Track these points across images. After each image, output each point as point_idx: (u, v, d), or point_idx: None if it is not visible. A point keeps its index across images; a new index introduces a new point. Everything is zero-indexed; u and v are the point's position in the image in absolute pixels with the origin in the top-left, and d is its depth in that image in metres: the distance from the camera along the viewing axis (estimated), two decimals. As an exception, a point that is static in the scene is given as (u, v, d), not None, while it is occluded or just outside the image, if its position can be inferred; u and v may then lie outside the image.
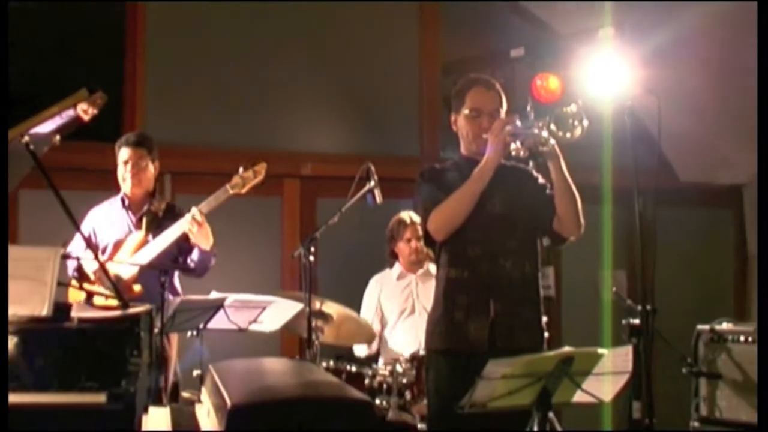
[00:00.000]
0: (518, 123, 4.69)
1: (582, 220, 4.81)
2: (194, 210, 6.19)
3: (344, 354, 6.93)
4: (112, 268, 6.07)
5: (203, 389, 4.47)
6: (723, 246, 9.32)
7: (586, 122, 4.55)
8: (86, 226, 6.36)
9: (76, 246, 6.14)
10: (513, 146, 4.69)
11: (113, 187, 6.56)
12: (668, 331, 6.56)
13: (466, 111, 4.87)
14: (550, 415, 7.03)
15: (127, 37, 8.02)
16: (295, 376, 4.10)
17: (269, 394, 3.70)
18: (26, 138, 5.21)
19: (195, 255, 6.38)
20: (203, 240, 6.25)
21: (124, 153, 6.42)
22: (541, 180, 4.92)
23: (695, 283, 9.07)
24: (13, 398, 4.73)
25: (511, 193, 4.82)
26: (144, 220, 6.41)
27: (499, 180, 4.74)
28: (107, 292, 5.42)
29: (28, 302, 4.89)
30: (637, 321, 5.84)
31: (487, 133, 4.72)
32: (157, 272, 6.01)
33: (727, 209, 9.24)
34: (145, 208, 6.47)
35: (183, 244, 6.35)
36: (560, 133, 4.55)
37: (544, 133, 4.58)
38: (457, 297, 4.76)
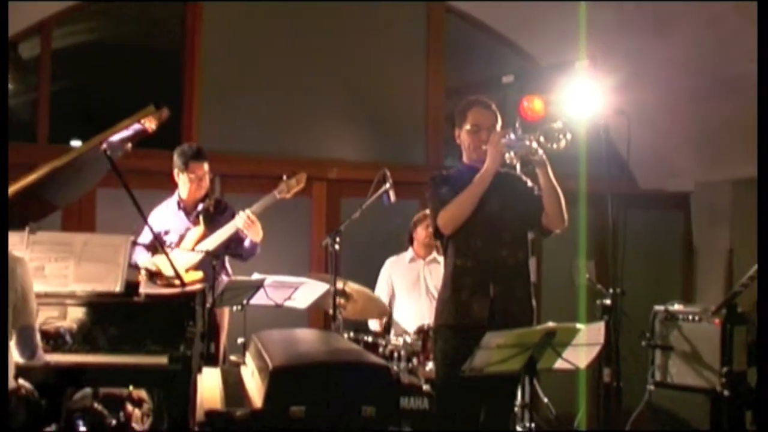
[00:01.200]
0: (512, 136, 4.69)
1: (565, 216, 4.85)
2: (247, 212, 6.22)
3: (362, 327, 6.91)
4: (180, 258, 6.09)
5: (247, 354, 4.48)
6: (674, 242, 9.33)
7: (569, 136, 4.58)
8: (152, 226, 6.36)
9: (145, 237, 6.13)
10: (507, 156, 4.70)
11: (170, 187, 6.54)
12: (631, 311, 6.58)
13: (467, 127, 4.89)
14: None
15: (185, 62, 8.01)
16: (325, 344, 4.11)
17: (304, 358, 3.72)
18: (104, 145, 5.21)
19: (246, 244, 6.39)
20: (255, 234, 6.28)
21: (191, 167, 6.39)
22: (530, 183, 4.93)
23: (652, 271, 9.07)
24: (92, 359, 4.77)
25: (506, 195, 4.83)
26: (201, 217, 6.40)
27: (496, 184, 4.75)
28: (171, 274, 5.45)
29: (104, 280, 4.93)
30: (608, 301, 5.85)
31: (485, 145, 4.76)
32: (214, 258, 6.12)
33: (678, 211, 9.26)
34: (201, 207, 6.46)
35: (234, 237, 6.35)
36: (548, 145, 4.58)
37: (534, 145, 4.61)
38: (462, 281, 4.77)
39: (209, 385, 3.96)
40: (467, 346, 4.26)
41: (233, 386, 3.93)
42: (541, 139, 4.59)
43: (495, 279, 4.74)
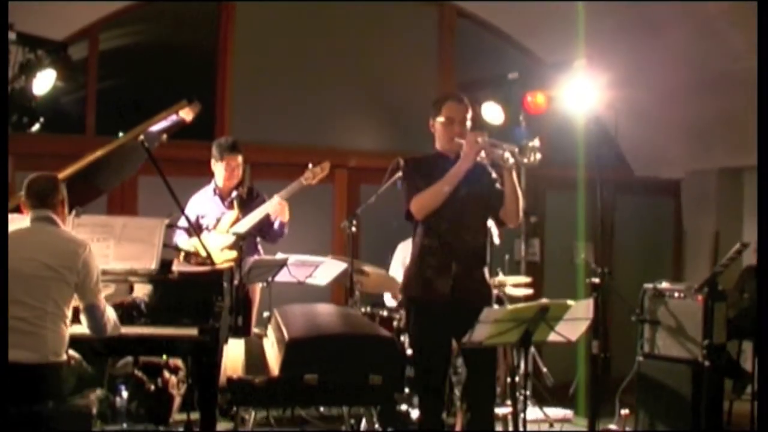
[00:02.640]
0: (487, 139, 4.71)
1: (521, 214, 4.86)
2: (278, 197, 6.26)
3: (378, 302, 6.92)
4: (216, 239, 6.15)
5: (269, 326, 4.49)
6: (665, 225, 9.29)
7: (539, 155, 4.56)
8: (190, 210, 6.41)
9: (184, 221, 6.16)
10: (479, 156, 4.71)
11: (206, 175, 6.56)
12: (624, 289, 6.57)
13: (441, 119, 4.90)
14: (533, 350, 7.13)
15: (219, 60, 8.05)
16: (338, 318, 4.13)
17: (318, 331, 3.74)
18: (141, 137, 5.24)
19: (276, 226, 6.43)
20: (284, 216, 6.34)
21: (227, 158, 6.44)
22: (494, 175, 4.91)
23: (644, 252, 9.06)
24: (129, 330, 4.80)
25: (473, 184, 4.80)
26: (235, 203, 6.44)
27: (466, 173, 4.73)
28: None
29: (141, 259, 4.97)
30: (597, 280, 5.85)
31: (458, 137, 4.77)
32: (248, 240, 6.17)
33: (669, 197, 9.22)
34: (235, 193, 6.51)
35: (264, 220, 6.38)
36: (521, 159, 4.58)
37: (507, 155, 4.61)
38: (428, 259, 4.78)
39: (233, 355, 3.99)
40: (429, 317, 4.39)
41: (255, 356, 3.95)
42: (516, 150, 4.59)
43: (457, 259, 4.74)
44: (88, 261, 4.38)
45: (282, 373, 3.43)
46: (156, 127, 5.50)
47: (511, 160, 4.61)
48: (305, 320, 4.01)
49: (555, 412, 6.79)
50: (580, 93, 7.08)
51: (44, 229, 4.43)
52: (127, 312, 4.82)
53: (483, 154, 4.69)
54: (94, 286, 4.41)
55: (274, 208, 6.28)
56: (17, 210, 5.05)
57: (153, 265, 4.94)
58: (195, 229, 5.75)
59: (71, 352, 4.43)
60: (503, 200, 4.79)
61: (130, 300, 4.85)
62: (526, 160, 4.57)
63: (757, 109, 4.76)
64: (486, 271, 4.91)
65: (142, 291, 4.88)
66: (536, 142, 4.57)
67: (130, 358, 6.43)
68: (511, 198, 4.76)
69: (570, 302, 4.19)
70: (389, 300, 6.96)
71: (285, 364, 3.44)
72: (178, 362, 6.49)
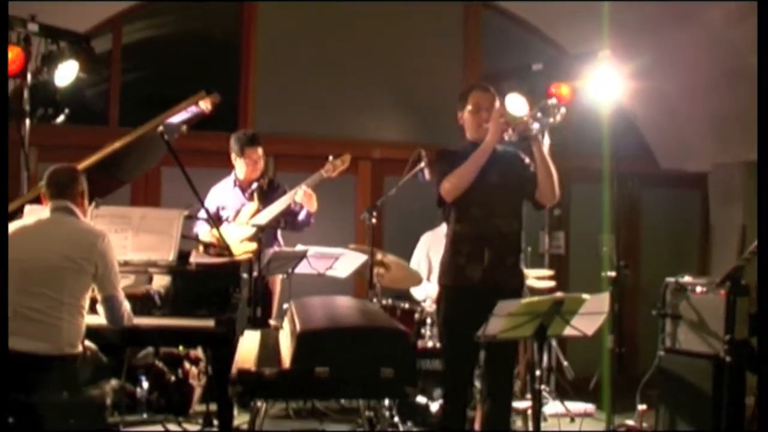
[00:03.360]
0: (510, 114, 4.77)
1: (557, 191, 4.80)
2: (304, 186, 6.24)
3: (401, 294, 6.89)
4: (236, 231, 6.14)
5: (285, 318, 4.49)
6: (691, 218, 9.19)
7: (563, 110, 4.56)
8: (211, 202, 6.42)
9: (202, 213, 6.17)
10: (507, 134, 4.70)
11: (228, 166, 6.56)
12: (650, 283, 6.50)
13: (469, 107, 4.89)
14: (554, 345, 7.08)
15: (242, 52, 8.06)
16: (352, 310, 4.11)
17: (329, 323, 3.72)
18: (160, 128, 5.25)
19: (302, 216, 6.43)
20: (311, 205, 6.32)
21: (247, 152, 6.42)
22: (527, 160, 4.89)
23: (671, 246, 8.97)
24: (147, 321, 4.81)
25: (504, 169, 4.81)
26: (255, 194, 6.43)
27: (496, 158, 4.75)
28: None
29: (159, 250, 4.98)
30: (613, 273, 5.80)
31: (486, 124, 4.76)
32: (267, 231, 6.19)
33: (695, 190, 9.11)
34: (256, 185, 6.50)
35: (287, 211, 6.38)
36: (545, 119, 4.57)
37: (532, 123, 4.60)
38: (460, 246, 4.78)
39: (247, 347, 3.98)
40: (462, 306, 4.37)
41: (269, 348, 3.93)
42: (539, 114, 4.59)
43: (489, 246, 4.73)
44: (106, 251, 4.39)
45: (293, 365, 3.39)
46: (176, 119, 5.51)
47: (535, 126, 4.59)
48: (318, 312, 3.99)
49: (576, 406, 6.74)
50: (605, 84, 7.03)
51: (63, 220, 4.45)
52: (145, 303, 4.84)
53: (510, 131, 4.68)
54: (113, 277, 4.43)
55: (301, 197, 6.26)
56: (37, 201, 5.08)
57: (171, 256, 4.95)
58: (214, 220, 5.75)
59: (87, 342, 4.44)
60: (536, 181, 4.77)
61: (148, 291, 4.86)
62: (551, 120, 4.56)
63: (757, 109, 4.69)
64: (520, 259, 4.90)
65: (159, 282, 4.89)
66: (554, 101, 4.59)
67: (150, 349, 6.47)
68: (544, 172, 4.72)
69: (585, 296, 4.13)
70: (416, 292, 6.93)
71: (296, 357, 3.41)
72: (199, 353, 6.53)
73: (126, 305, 4.51)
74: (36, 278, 4.23)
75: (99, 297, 4.42)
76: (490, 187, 4.74)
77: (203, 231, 6.21)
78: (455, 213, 4.83)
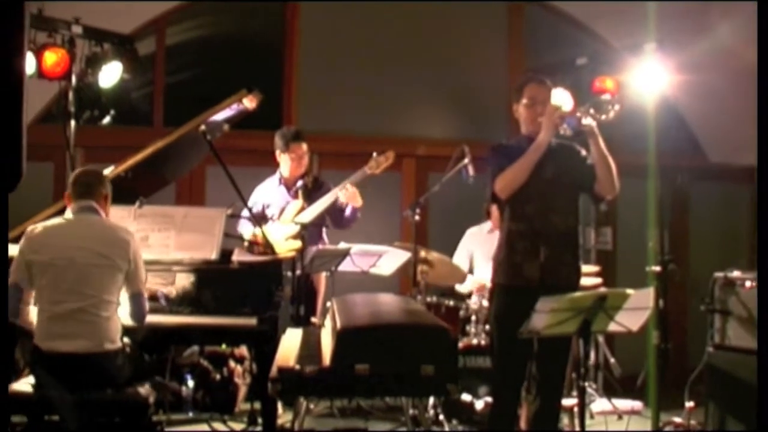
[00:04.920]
0: (564, 109, 4.66)
1: (617, 183, 4.71)
2: (348, 185, 6.24)
3: (446, 291, 6.86)
4: (280, 229, 6.15)
5: (327, 316, 4.47)
6: (741, 213, 9.03)
7: (617, 106, 4.50)
8: (255, 199, 6.43)
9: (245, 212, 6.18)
10: (561, 128, 4.63)
11: (273, 165, 6.56)
12: (697, 278, 6.40)
13: (524, 101, 4.81)
14: (601, 341, 7.00)
15: (285, 51, 8.08)
16: (393, 308, 4.07)
17: (369, 320, 3.68)
18: (202, 127, 5.26)
19: (348, 212, 6.42)
20: (356, 202, 6.31)
21: (292, 147, 6.41)
22: (583, 153, 4.82)
23: (721, 241, 8.83)
24: (191, 320, 4.84)
25: (560, 164, 4.73)
26: (300, 192, 6.42)
27: (551, 153, 4.67)
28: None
29: (201, 249, 4.99)
30: (658, 268, 5.71)
31: (540, 117, 4.68)
32: (311, 229, 6.21)
33: (745, 184, 8.94)
34: (300, 183, 6.49)
35: (331, 208, 6.38)
36: (598, 116, 4.50)
37: (585, 119, 4.53)
38: (515, 244, 4.72)
39: (289, 345, 3.95)
40: (518, 306, 4.21)
41: (311, 346, 3.90)
42: (591, 111, 4.51)
43: (546, 243, 4.66)
44: (137, 249, 4.44)
45: (333, 362, 3.37)
46: (218, 117, 5.53)
47: (589, 122, 4.52)
48: (359, 309, 3.96)
49: (624, 403, 6.65)
50: (651, 77, 6.93)
51: (89, 219, 4.47)
52: (186, 301, 4.85)
53: (565, 125, 4.61)
54: (141, 275, 4.46)
55: (346, 194, 6.25)
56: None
57: (213, 255, 4.95)
58: (257, 219, 5.76)
59: (126, 340, 4.46)
60: (594, 173, 4.70)
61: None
62: (604, 116, 4.49)
63: (757, 109, 4.58)
64: (578, 255, 4.83)
65: (201, 281, 4.90)
66: (608, 96, 4.61)
67: (196, 348, 6.49)
68: (602, 166, 4.64)
69: (629, 291, 4.07)
70: (461, 287, 6.89)
71: (336, 354, 3.38)
72: (244, 352, 6.54)
73: (146, 304, 4.53)
74: (72, 278, 4.26)
75: (127, 293, 4.42)
76: (546, 183, 4.68)
77: (247, 230, 6.22)
78: (510, 210, 4.77)
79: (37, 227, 4.42)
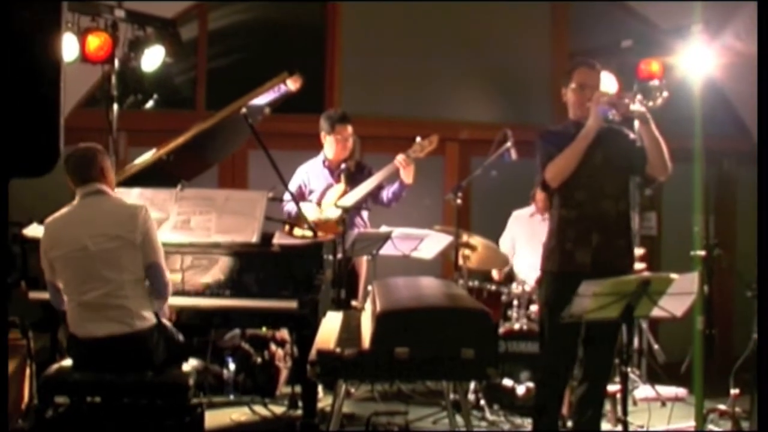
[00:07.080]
0: (610, 93, 4.60)
1: (669, 164, 4.67)
2: (401, 156, 6.15)
3: (489, 276, 6.83)
4: (322, 212, 6.17)
5: (368, 299, 4.46)
6: (790, 196, 8.87)
7: (665, 93, 4.45)
8: (297, 178, 6.42)
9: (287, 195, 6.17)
10: (610, 114, 4.59)
11: (316, 148, 6.54)
12: (744, 263, 6.29)
13: (573, 86, 4.77)
14: (644, 327, 6.92)
15: (327, 34, 8.06)
16: (434, 291, 4.03)
17: (409, 303, 3.65)
18: (243, 110, 5.26)
19: (395, 187, 6.34)
20: (408, 176, 6.21)
21: (337, 129, 6.38)
22: (632, 136, 4.78)
23: (769, 226, 8.67)
24: (232, 302, 4.85)
25: (609, 149, 4.70)
26: (343, 176, 6.41)
27: (600, 139, 4.63)
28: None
29: (242, 232, 4.99)
30: (703, 253, 5.64)
31: (589, 102, 4.64)
32: (353, 212, 6.21)
33: (794, 167, 8.80)
34: (344, 166, 6.46)
35: (374, 191, 6.34)
36: (646, 102, 4.47)
37: (633, 105, 4.49)
38: (567, 231, 4.70)
39: (329, 328, 3.94)
40: (569, 292, 4.12)
41: (351, 329, 3.89)
42: (639, 96, 4.47)
43: (597, 229, 4.64)
44: (147, 219, 4.34)
45: (372, 346, 3.35)
46: (260, 100, 5.53)
47: (637, 107, 4.48)
48: (399, 293, 3.94)
49: (667, 390, 6.57)
50: (698, 59, 6.81)
51: (96, 202, 4.41)
52: (227, 284, 4.87)
53: (613, 111, 4.58)
54: (155, 244, 4.38)
55: (403, 161, 6.15)
56: (124, 184, 5.16)
57: (254, 238, 4.95)
58: (297, 201, 5.75)
59: (164, 321, 4.45)
60: (645, 156, 4.66)
61: (228, 272, 4.88)
62: (651, 103, 4.46)
63: (757, 109, 4.49)
64: (632, 240, 4.81)
65: (242, 264, 4.91)
66: (656, 82, 4.58)
67: (237, 331, 6.52)
68: (653, 148, 4.60)
69: (673, 275, 4.00)
70: (494, 273, 6.84)
71: (375, 337, 3.36)
72: (285, 335, 6.55)
73: (167, 276, 4.47)
74: (91, 266, 4.24)
75: (143, 265, 4.34)
76: (595, 169, 4.65)
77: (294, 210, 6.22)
78: (560, 197, 4.75)
79: (50, 220, 4.40)
